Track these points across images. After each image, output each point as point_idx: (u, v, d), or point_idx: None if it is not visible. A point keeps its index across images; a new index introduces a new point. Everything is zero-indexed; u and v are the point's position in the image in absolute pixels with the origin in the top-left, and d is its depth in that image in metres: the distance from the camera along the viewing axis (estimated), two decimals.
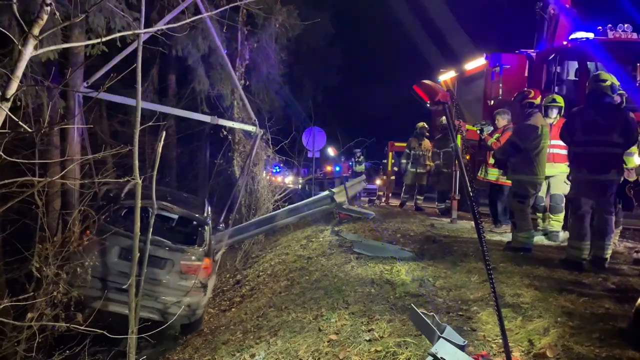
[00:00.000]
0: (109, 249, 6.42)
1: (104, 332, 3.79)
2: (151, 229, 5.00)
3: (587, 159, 5.28)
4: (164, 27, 3.46)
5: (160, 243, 6.65)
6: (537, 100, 6.37)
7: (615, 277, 4.97)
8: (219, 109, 14.28)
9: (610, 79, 5.27)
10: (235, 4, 6.02)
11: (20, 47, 2.28)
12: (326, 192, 10.52)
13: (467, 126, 9.20)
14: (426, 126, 12.08)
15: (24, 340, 5.28)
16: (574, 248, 5.41)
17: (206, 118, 10.95)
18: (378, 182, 17.22)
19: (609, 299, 4.20)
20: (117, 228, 6.41)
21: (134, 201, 5.72)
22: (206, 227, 7.36)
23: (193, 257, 6.80)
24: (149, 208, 6.64)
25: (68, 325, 4.36)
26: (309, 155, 16.78)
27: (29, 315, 5.17)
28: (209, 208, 8.51)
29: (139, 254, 4.60)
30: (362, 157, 17.69)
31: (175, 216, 7.60)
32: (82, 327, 3.97)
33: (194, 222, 7.58)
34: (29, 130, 2.74)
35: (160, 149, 3.29)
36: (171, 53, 13.46)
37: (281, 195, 13.36)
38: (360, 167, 17.22)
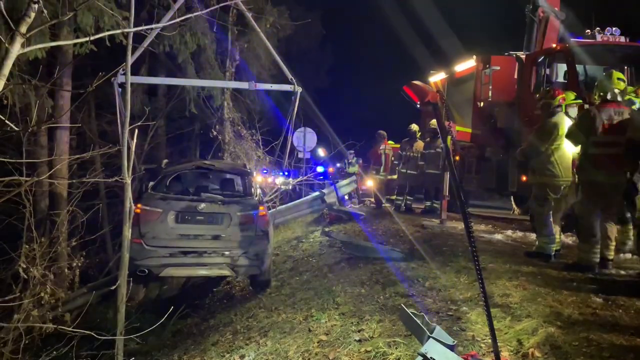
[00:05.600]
0: (164, 216, 6.46)
1: (92, 334, 3.76)
2: (129, 227, 4.79)
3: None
4: (153, 26, 3.44)
5: (213, 199, 6.80)
6: (556, 101, 6.00)
7: (603, 277, 5.02)
8: (209, 110, 14.23)
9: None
10: (226, 3, 6.00)
11: (7, 45, 2.26)
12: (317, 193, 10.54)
13: (458, 127, 9.23)
14: (418, 128, 12.08)
15: (10, 342, 5.21)
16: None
17: (243, 85, 10.53)
18: (370, 183, 17.18)
19: (597, 299, 4.24)
20: (166, 194, 6.67)
21: (179, 166, 7.24)
22: (252, 179, 7.49)
23: (249, 207, 6.89)
24: (190, 172, 7.62)
25: (55, 326, 4.31)
26: (299, 155, 16.75)
27: (16, 316, 5.11)
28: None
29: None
30: (354, 158, 17.54)
31: (220, 173, 7.89)
32: (69, 329, 3.93)
33: (239, 175, 7.75)
34: (16, 129, 2.71)
35: (133, 147, 3.27)
36: (160, 52, 13.34)
37: (272, 196, 13.32)
38: (354, 169, 17.08)
